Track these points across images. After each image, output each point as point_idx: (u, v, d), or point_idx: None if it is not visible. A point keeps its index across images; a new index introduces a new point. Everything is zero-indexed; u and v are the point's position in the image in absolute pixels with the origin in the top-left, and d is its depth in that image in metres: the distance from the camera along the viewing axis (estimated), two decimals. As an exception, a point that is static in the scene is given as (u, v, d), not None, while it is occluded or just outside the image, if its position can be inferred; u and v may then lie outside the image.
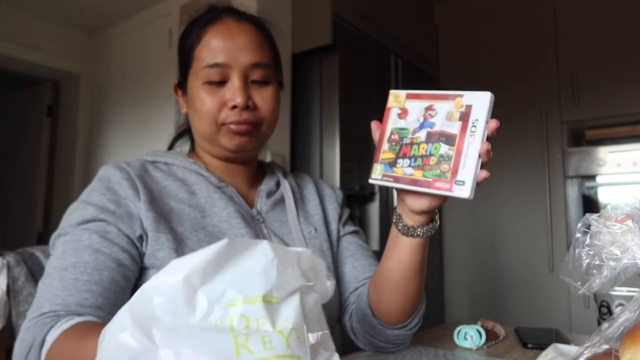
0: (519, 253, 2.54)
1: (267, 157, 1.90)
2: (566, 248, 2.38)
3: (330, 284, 0.43)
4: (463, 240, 2.75)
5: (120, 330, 0.32)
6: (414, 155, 0.60)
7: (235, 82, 0.74)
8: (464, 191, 0.55)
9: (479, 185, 0.57)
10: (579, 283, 0.53)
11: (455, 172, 0.56)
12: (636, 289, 0.53)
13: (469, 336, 0.86)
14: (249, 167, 0.84)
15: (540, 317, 2.40)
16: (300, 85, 2.15)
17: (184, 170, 0.78)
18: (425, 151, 0.59)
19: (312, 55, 2.10)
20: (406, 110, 0.63)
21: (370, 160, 0.64)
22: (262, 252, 0.37)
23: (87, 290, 0.61)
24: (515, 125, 2.54)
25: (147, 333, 0.32)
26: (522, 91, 2.57)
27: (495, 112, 0.57)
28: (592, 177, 2.43)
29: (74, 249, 0.64)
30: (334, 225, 0.88)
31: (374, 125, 0.66)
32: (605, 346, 0.50)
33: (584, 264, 0.52)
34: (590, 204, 2.43)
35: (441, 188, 0.57)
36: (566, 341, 0.84)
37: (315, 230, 0.84)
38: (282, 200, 0.84)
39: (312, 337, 0.36)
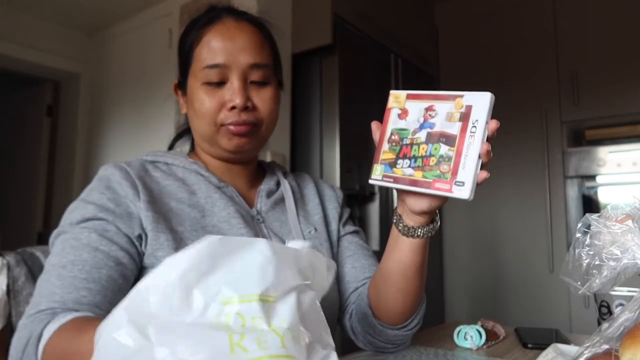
0: (519, 253, 2.54)
1: (267, 157, 1.90)
2: (566, 248, 2.38)
3: (330, 275, 0.43)
4: (463, 240, 2.75)
5: (117, 329, 0.33)
6: (414, 156, 0.60)
7: (234, 83, 0.74)
8: (463, 192, 0.55)
9: (479, 186, 0.57)
10: (579, 283, 0.53)
11: (455, 172, 0.56)
12: (636, 289, 0.53)
13: (469, 336, 0.86)
14: (249, 167, 0.84)
15: (540, 317, 2.40)
16: (300, 85, 2.15)
17: (184, 170, 0.79)
18: (425, 152, 0.59)
19: (312, 55, 2.10)
20: (406, 111, 0.63)
21: (370, 161, 0.64)
22: (259, 251, 0.36)
23: (84, 288, 0.61)
24: (515, 125, 2.54)
25: (142, 331, 0.32)
26: (522, 91, 2.57)
27: (495, 112, 0.57)
28: (592, 177, 2.43)
29: (72, 247, 0.64)
30: (334, 225, 0.88)
31: (374, 125, 0.66)
32: (605, 346, 0.50)
33: (584, 264, 0.52)
34: (590, 204, 2.43)
35: (441, 189, 0.57)
36: (566, 341, 0.84)
37: (315, 230, 0.84)
38: (282, 200, 0.85)
39: (308, 336, 0.36)
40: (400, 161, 0.61)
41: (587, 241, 0.52)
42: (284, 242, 0.79)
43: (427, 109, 0.61)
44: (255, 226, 0.77)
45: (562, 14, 2.53)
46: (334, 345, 0.39)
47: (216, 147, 0.78)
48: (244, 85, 0.74)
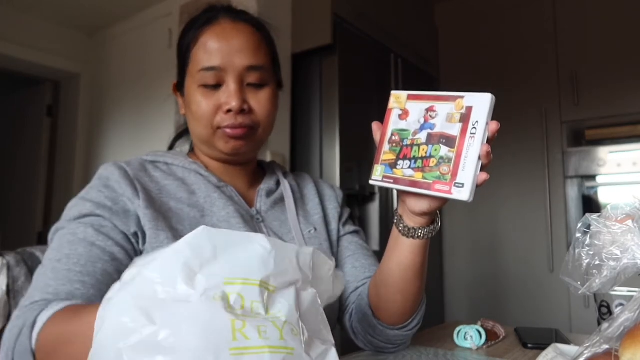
0: (519, 253, 2.54)
1: (267, 157, 1.90)
2: (566, 248, 2.38)
3: (338, 283, 0.43)
4: (463, 240, 2.75)
5: (122, 312, 0.33)
6: (414, 157, 0.60)
7: (230, 85, 0.73)
8: (463, 194, 0.55)
9: (478, 187, 0.57)
10: (579, 283, 0.53)
11: (454, 174, 0.56)
12: (636, 289, 0.53)
13: (469, 336, 0.86)
14: (248, 168, 0.84)
15: (540, 317, 2.40)
16: (300, 85, 2.15)
17: (183, 170, 0.79)
18: (426, 153, 0.59)
19: (312, 55, 2.10)
20: (407, 112, 0.63)
21: (371, 161, 0.64)
22: (259, 244, 0.38)
23: (79, 281, 0.61)
24: (515, 125, 2.54)
25: (147, 314, 0.33)
26: (522, 91, 2.57)
27: (495, 112, 0.57)
28: (592, 177, 2.43)
29: (69, 242, 0.64)
30: (334, 225, 0.88)
31: (375, 126, 0.66)
32: (605, 346, 0.50)
33: (584, 264, 0.52)
34: (590, 204, 2.43)
35: (440, 190, 0.57)
36: (566, 341, 0.84)
37: (315, 229, 0.84)
38: (281, 199, 0.85)
39: (307, 331, 0.37)
40: (400, 162, 0.61)
41: (587, 241, 0.53)
42: (283, 241, 0.79)
43: (428, 110, 0.61)
44: (254, 226, 0.78)
45: (562, 14, 2.53)
46: (333, 341, 0.40)
47: (213, 150, 0.78)
48: (240, 87, 0.74)
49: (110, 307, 0.34)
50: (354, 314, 0.81)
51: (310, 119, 2.11)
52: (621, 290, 0.66)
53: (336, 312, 0.82)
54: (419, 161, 0.59)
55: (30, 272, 0.88)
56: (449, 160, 0.57)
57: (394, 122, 0.64)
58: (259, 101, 0.76)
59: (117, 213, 0.68)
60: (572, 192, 2.45)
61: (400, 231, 0.67)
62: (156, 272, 0.34)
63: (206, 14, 0.78)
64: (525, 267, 2.50)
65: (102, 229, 0.66)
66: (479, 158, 0.56)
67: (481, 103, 0.57)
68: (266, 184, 0.84)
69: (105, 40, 2.85)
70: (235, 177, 0.82)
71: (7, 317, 0.84)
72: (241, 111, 0.73)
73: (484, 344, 0.85)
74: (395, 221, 0.69)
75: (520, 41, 2.63)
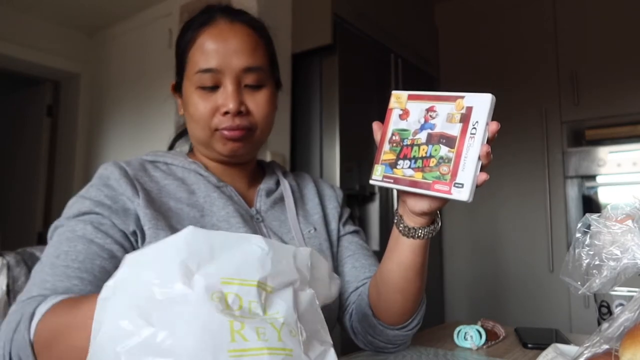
0: (519, 253, 2.54)
1: (267, 157, 1.90)
2: (566, 248, 2.38)
3: (334, 285, 0.43)
4: (463, 240, 2.75)
5: (118, 314, 0.33)
6: (414, 157, 0.60)
7: (227, 87, 0.73)
8: (462, 194, 0.55)
9: (478, 187, 0.57)
10: (579, 283, 0.53)
11: (454, 174, 0.56)
12: (636, 289, 0.53)
13: (469, 336, 0.86)
14: (248, 167, 0.84)
15: (540, 317, 2.40)
16: (300, 85, 2.15)
17: (183, 170, 0.79)
18: (426, 153, 0.59)
19: (312, 55, 2.10)
20: (407, 112, 0.63)
21: (371, 160, 0.64)
22: (257, 244, 0.37)
23: (76, 277, 0.61)
24: (515, 125, 2.54)
25: (145, 316, 0.32)
26: (522, 91, 2.57)
27: (495, 112, 0.57)
28: (592, 177, 2.43)
29: (67, 239, 0.64)
30: (333, 225, 0.88)
31: (376, 126, 0.66)
32: (605, 346, 0.50)
33: (584, 264, 0.52)
34: (590, 204, 2.43)
35: (440, 190, 0.57)
36: (566, 341, 0.84)
37: (315, 229, 0.84)
38: (281, 199, 0.85)
39: (305, 331, 0.37)
40: (400, 162, 0.61)
41: (587, 241, 0.52)
42: (283, 241, 0.79)
43: (428, 110, 0.61)
44: (254, 225, 0.77)
45: (562, 14, 2.53)
46: (331, 342, 0.40)
47: (211, 151, 0.78)
48: (237, 89, 0.73)
49: (107, 308, 0.34)
50: (354, 313, 0.81)
51: (310, 119, 2.11)
52: (621, 290, 0.66)
53: (336, 312, 0.82)
54: (419, 161, 0.59)
55: (30, 272, 0.88)
56: (449, 160, 0.57)
57: (394, 122, 0.64)
58: (256, 103, 0.75)
59: (117, 211, 0.68)
60: (572, 192, 2.45)
61: (400, 231, 0.67)
62: (153, 271, 0.34)
63: (203, 14, 0.78)
64: (525, 267, 2.50)
65: (101, 227, 0.66)
66: (479, 158, 0.56)
67: (481, 103, 0.57)
68: (266, 184, 0.84)
69: (105, 40, 2.85)
70: (235, 177, 0.82)
71: (7, 317, 0.84)
72: (238, 113, 0.73)
73: (484, 344, 0.85)
74: (395, 221, 0.69)
75: (520, 41, 2.63)
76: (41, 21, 2.74)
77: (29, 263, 0.89)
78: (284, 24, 2.08)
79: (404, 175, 0.60)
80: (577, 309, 2.32)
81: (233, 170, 0.82)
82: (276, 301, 0.36)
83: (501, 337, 0.90)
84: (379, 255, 0.74)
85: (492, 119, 0.57)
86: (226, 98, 0.72)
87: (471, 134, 0.56)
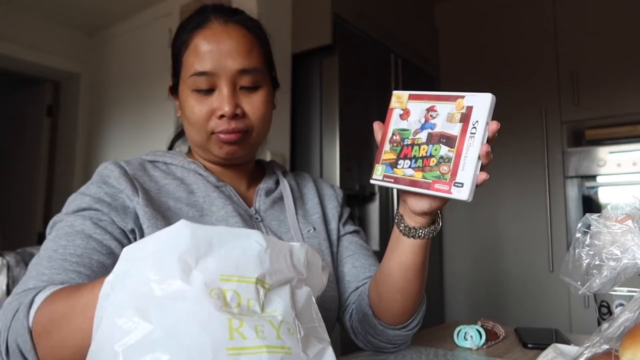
0: (519, 253, 2.54)
1: (267, 157, 1.90)
2: (566, 248, 2.38)
3: (325, 274, 0.43)
4: (463, 240, 2.75)
5: (117, 312, 0.33)
6: (414, 156, 0.60)
7: (223, 90, 0.72)
8: (462, 193, 0.55)
9: (478, 187, 0.57)
10: (579, 283, 0.53)
11: (454, 173, 0.56)
12: (636, 289, 0.53)
13: (469, 336, 0.86)
14: (247, 167, 0.84)
15: (540, 317, 2.40)
16: (300, 85, 2.15)
17: (182, 170, 0.79)
18: (426, 152, 0.59)
19: (312, 55, 2.10)
20: (408, 111, 0.63)
21: (371, 160, 0.65)
22: (255, 240, 0.37)
23: (74, 270, 0.60)
24: (515, 125, 2.54)
25: (143, 314, 0.32)
26: (522, 91, 2.57)
27: (495, 112, 0.57)
28: (592, 177, 2.43)
29: (66, 234, 0.64)
30: (333, 225, 0.88)
31: (377, 125, 0.66)
32: (605, 346, 0.50)
33: (584, 264, 0.52)
34: (590, 204, 2.43)
35: (440, 190, 0.57)
36: (566, 341, 0.84)
37: (314, 229, 0.84)
38: (280, 198, 0.85)
39: (303, 329, 0.37)
40: (401, 161, 0.61)
41: (587, 241, 0.53)
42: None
43: (429, 110, 0.61)
44: (253, 225, 0.78)
45: (562, 14, 2.53)
46: (329, 339, 0.40)
47: (208, 154, 0.78)
48: (232, 92, 0.72)
49: (107, 306, 0.34)
50: (354, 313, 0.81)
51: (310, 119, 2.11)
52: (621, 290, 0.66)
53: (335, 312, 0.82)
54: (419, 161, 0.59)
55: (30, 272, 0.88)
56: (449, 159, 0.57)
57: (395, 121, 0.64)
58: (252, 104, 0.74)
59: (116, 208, 0.68)
60: (572, 192, 2.45)
61: (401, 231, 0.67)
62: (152, 267, 0.34)
63: (197, 16, 0.77)
64: (525, 267, 2.50)
65: (100, 223, 0.66)
66: (479, 158, 0.56)
67: (481, 103, 0.57)
68: (265, 184, 0.84)
69: (105, 40, 2.85)
70: (234, 177, 0.82)
71: (7, 317, 0.84)
72: (234, 116, 0.72)
73: (484, 344, 0.85)
74: (396, 221, 0.69)
75: (520, 41, 2.63)
76: (41, 21, 2.74)
77: (29, 263, 0.89)
78: (283, 23, 2.08)
79: (404, 175, 0.60)
80: (577, 309, 2.32)
81: (232, 170, 0.82)
82: (274, 299, 0.36)
83: (501, 337, 0.90)
84: (379, 255, 0.74)
85: (492, 119, 0.57)
86: (221, 101, 0.72)
87: (471, 133, 0.56)
